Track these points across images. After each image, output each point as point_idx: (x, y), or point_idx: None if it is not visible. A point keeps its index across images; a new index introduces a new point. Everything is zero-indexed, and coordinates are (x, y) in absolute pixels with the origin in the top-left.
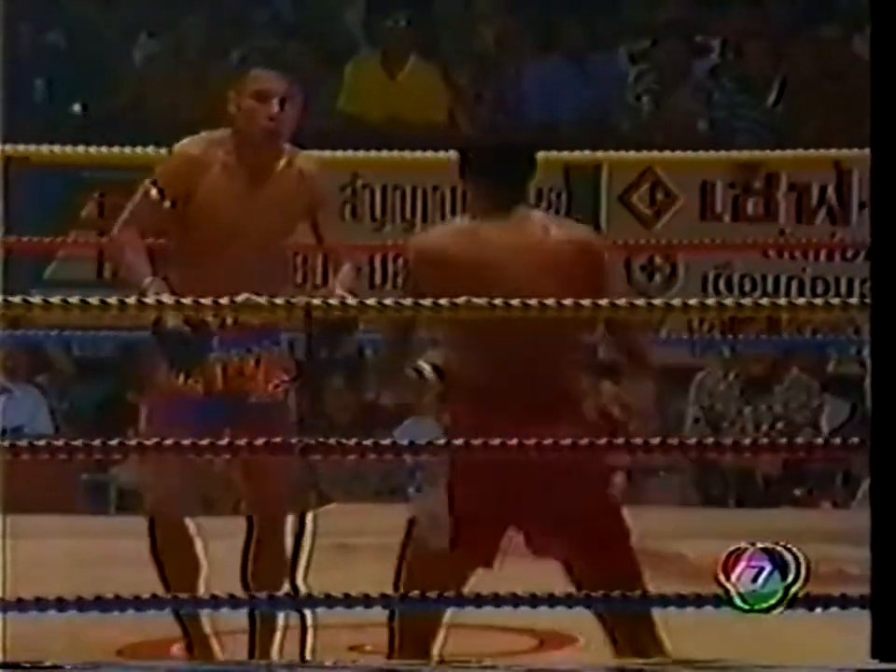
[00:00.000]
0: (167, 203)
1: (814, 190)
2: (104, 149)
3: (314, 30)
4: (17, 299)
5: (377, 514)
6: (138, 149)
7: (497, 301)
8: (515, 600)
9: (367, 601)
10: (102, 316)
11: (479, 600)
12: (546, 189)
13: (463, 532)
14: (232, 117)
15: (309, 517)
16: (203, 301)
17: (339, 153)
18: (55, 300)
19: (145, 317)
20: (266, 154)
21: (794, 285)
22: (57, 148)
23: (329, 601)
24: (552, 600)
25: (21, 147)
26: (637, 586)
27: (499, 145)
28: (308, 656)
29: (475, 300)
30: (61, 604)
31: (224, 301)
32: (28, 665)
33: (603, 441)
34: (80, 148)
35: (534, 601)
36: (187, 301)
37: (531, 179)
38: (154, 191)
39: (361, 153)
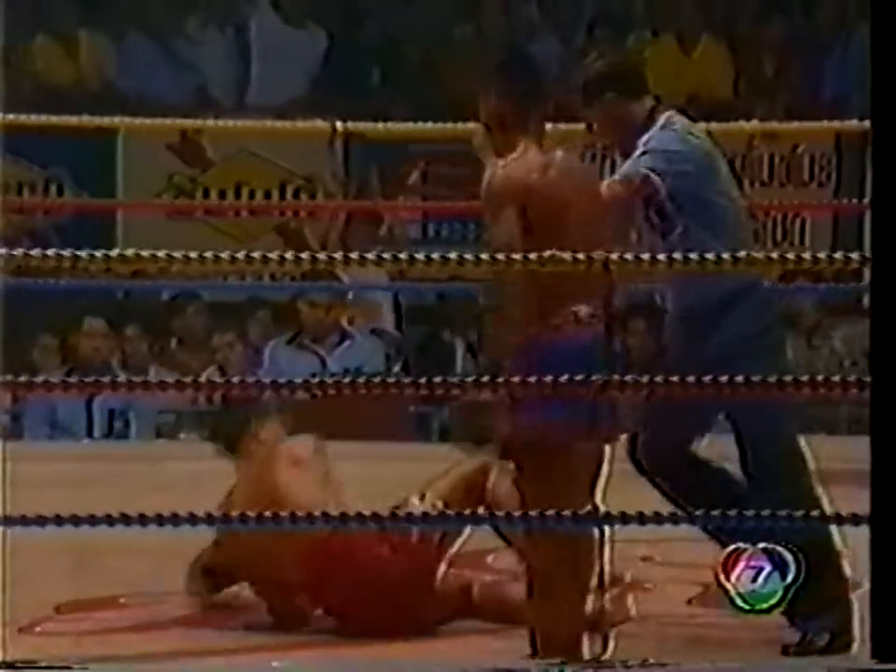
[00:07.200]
0: None
1: None
2: (428, 125)
3: None
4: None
5: None
6: (459, 125)
7: None
8: None
9: (658, 519)
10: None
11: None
12: (818, 155)
13: None
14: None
15: (607, 447)
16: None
17: None
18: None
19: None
20: None
21: None
22: (390, 125)
23: (624, 518)
24: None
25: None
26: None
27: None
28: (606, 566)
29: None
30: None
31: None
32: (28, 665)
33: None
34: (408, 124)
35: None
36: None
37: None
38: None
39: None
